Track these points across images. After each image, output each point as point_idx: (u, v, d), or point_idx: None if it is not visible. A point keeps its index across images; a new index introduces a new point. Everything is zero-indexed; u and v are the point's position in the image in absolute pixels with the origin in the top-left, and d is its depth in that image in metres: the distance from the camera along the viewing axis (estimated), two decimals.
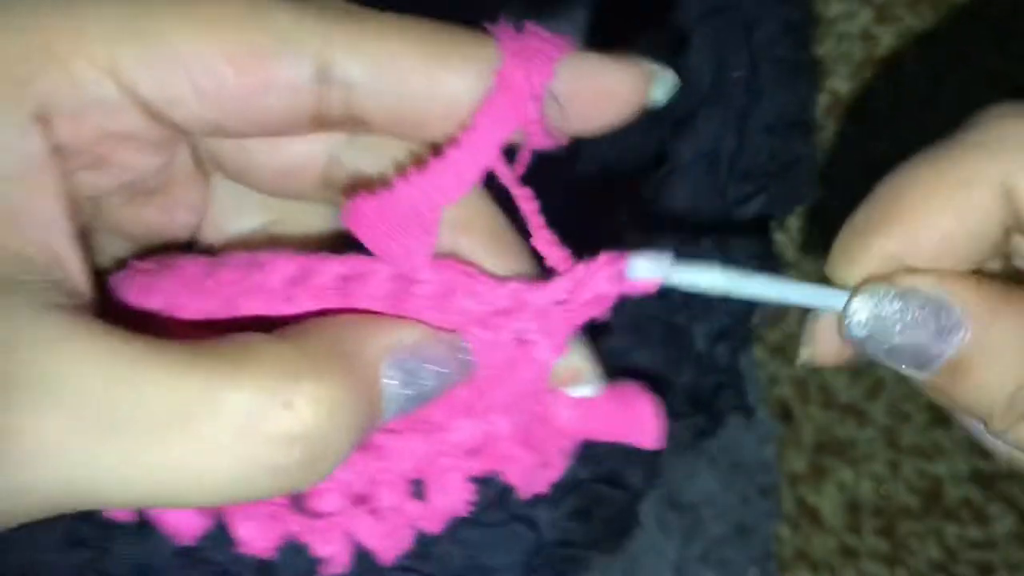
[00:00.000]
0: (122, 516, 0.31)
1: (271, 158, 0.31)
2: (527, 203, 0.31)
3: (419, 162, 0.30)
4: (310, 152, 0.31)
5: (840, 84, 0.76)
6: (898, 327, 0.31)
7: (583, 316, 0.30)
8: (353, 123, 0.29)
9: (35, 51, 0.27)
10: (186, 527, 0.30)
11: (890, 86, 0.73)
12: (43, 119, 0.28)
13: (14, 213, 0.27)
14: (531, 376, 0.31)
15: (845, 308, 0.31)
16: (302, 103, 0.28)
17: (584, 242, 0.32)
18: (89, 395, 0.24)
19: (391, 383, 0.27)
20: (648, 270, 0.28)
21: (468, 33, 0.29)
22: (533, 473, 0.34)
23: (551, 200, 0.34)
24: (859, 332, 0.31)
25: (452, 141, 0.29)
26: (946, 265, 0.32)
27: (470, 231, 0.32)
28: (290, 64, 0.28)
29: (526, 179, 0.34)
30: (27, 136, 0.27)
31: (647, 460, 0.40)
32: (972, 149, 0.31)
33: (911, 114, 0.73)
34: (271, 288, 0.29)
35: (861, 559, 0.74)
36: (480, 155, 0.29)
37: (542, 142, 0.30)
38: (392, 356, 0.28)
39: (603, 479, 0.37)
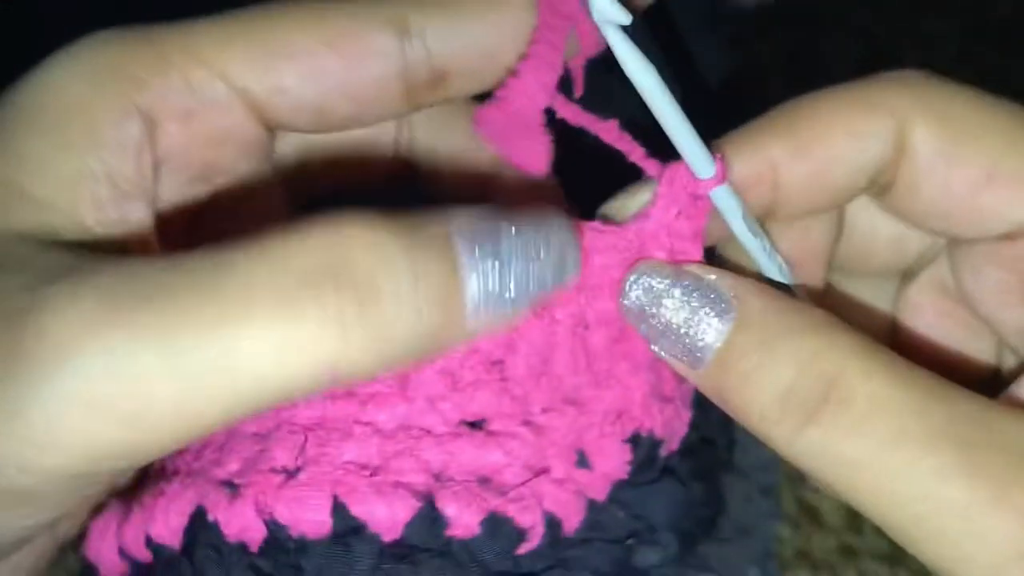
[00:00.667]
0: (314, 532, 0.30)
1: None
2: (605, 129, 0.33)
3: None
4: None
5: (840, 83, 0.75)
6: (668, 303, 0.31)
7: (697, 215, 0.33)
8: (436, 81, 0.33)
9: (151, 57, 0.30)
10: (392, 517, 0.30)
11: None
12: (151, 121, 0.31)
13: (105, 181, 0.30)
14: None
15: (624, 281, 0.32)
16: (392, 68, 0.32)
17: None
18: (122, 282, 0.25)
19: (462, 246, 0.27)
20: (608, 10, 0.29)
21: None
22: (671, 425, 0.36)
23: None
24: (631, 302, 0.32)
25: (523, 59, 0.33)
26: (814, 192, 0.34)
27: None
28: (375, 33, 0.32)
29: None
30: (131, 121, 0.30)
31: (724, 426, 0.42)
32: (876, 84, 0.34)
33: None
34: None
35: (862, 559, 0.74)
36: (550, 58, 0.32)
37: (590, 44, 0.33)
38: (458, 228, 0.27)
39: (703, 441, 0.39)
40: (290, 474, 0.31)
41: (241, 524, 0.30)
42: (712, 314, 0.31)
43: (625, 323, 0.34)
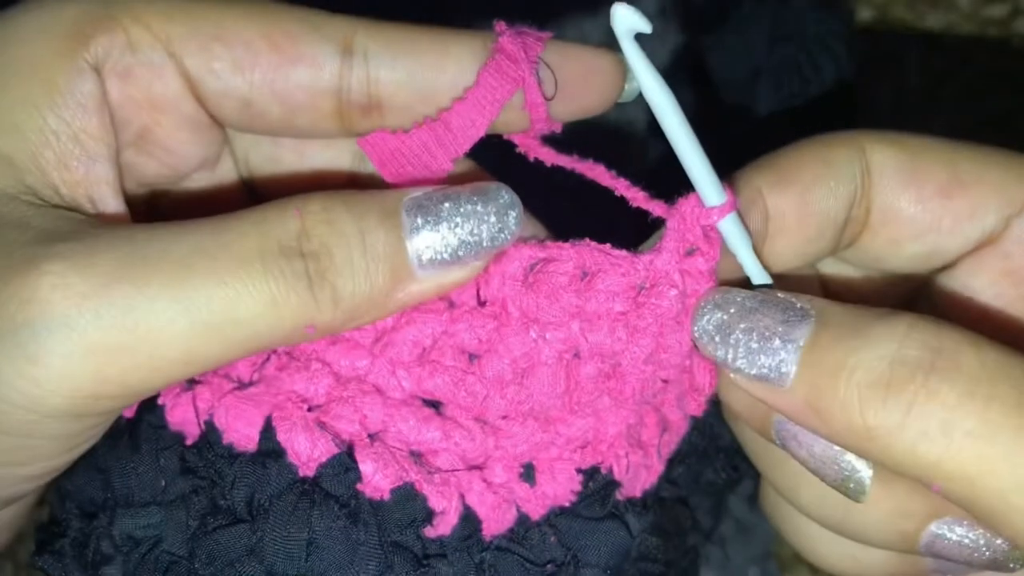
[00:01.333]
0: (241, 445, 0.32)
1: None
2: (600, 173, 0.34)
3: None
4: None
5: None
6: (748, 318, 0.31)
7: (710, 252, 0.33)
8: (369, 108, 0.33)
9: (97, 15, 0.31)
10: (310, 454, 0.31)
11: (890, 86, 0.73)
12: (99, 74, 0.31)
13: (69, 142, 0.31)
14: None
15: (695, 312, 0.32)
16: (326, 80, 0.32)
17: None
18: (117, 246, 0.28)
19: (408, 214, 0.31)
20: (631, 19, 0.29)
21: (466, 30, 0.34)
22: (636, 471, 0.35)
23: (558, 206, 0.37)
24: (707, 323, 0.32)
25: (459, 99, 0.33)
26: (802, 220, 0.34)
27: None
28: (317, 43, 0.32)
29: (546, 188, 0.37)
30: (84, 76, 0.31)
31: (713, 493, 0.41)
32: (834, 133, 0.35)
33: (912, 114, 0.74)
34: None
35: None
36: (485, 108, 0.33)
37: (540, 119, 0.34)
38: (408, 197, 0.32)
39: (679, 501, 0.38)
40: (242, 385, 0.33)
41: (183, 416, 0.32)
42: (791, 320, 0.30)
43: (620, 360, 0.33)
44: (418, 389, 0.32)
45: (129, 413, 0.33)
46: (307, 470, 0.31)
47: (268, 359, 0.33)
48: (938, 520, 0.32)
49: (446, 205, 0.31)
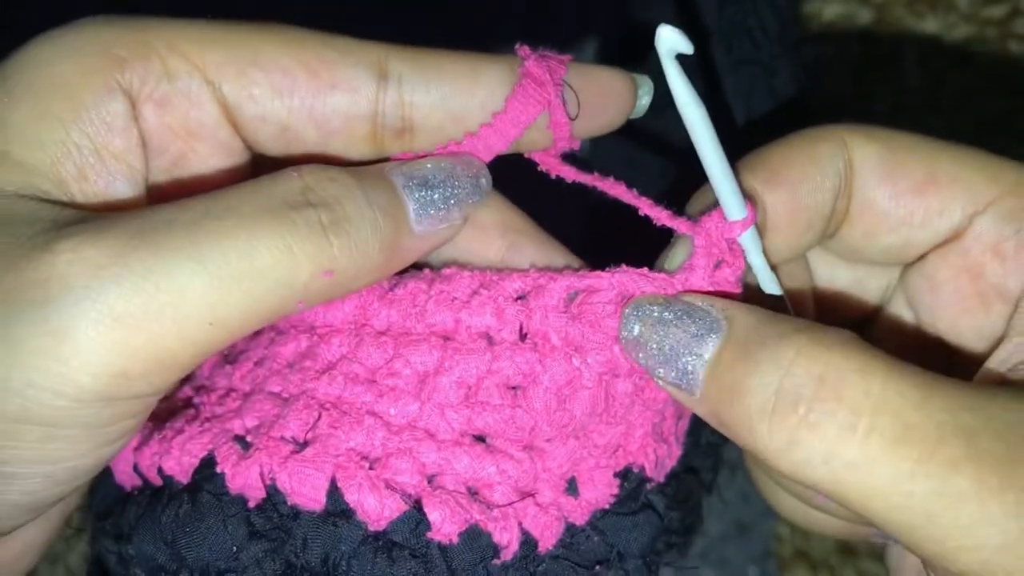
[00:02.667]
0: (308, 505, 0.32)
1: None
2: (622, 191, 0.36)
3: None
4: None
5: (840, 85, 0.76)
6: (662, 329, 0.32)
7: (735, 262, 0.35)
8: (402, 131, 0.35)
9: (135, 42, 0.32)
10: (380, 513, 0.32)
11: (890, 86, 0.73)
12: (131, 98, 0.32)
13: (92, 156, 0.31)
14: None
15: (621, 319, 0.33)
16: (362, 104, 0.34)
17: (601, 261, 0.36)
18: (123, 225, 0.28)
19: (396, 176, 0.33)
20: (675, 40, 0.30)
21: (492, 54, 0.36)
22: (663, 462, 0.38)
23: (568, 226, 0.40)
24: (629, 332, 0.33)
25: (487, 123, 0.35)
26: (794, 215, 0.35)
27: (518, 231, 0.39)
28: (353, 68, 0.33)
29: (549, 206, 0.39)
30: (113, 97, 0.32)
31: (712, 453, 0.43)
32: (818, 129, 0.37)
33: (911, 114, 0.74)
34: (456, 297, 0.35)
35: (860, 558, 0.74)
36: (509, 131, 0.35)
37: (563, 138, 0.36)
38: (391, 163, 0.34)
39: (687, 470, 0.40)
40: (298, 446, 0.33)
41: (245, 481, 0.32)
42: (701, 333, 0.31)
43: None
44: (468, 428, 0.34)
45: (185, 479, 0.33)
46: (377, 525, 0.32)
47: (319, 417, 0.33)
48: None
49: (428, 166, 0.34)
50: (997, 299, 0.36)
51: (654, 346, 0.32)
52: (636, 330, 0.33)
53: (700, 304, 0.32)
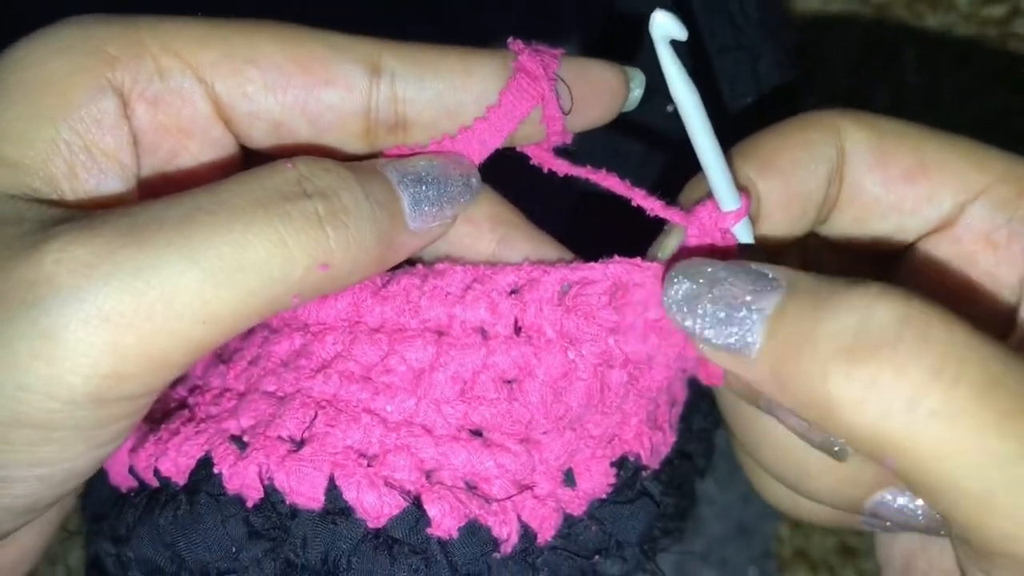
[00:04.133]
0: (306, 504, 0.32)
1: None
2: (615, 182, 0.36)
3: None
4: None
5: (840, 84, 0.76)
6: (716, 289, 0.31)
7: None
8: (395, 126, 0.34)
9: (127, 41, 0.32)
10: (380, 510, 0.32)
11: (890, 85, 0.73)
12: (123, 97, 0.32)
13: (82, 153, 0.31)
14: None
15: (665, 279, 0.33)
16: (355, 100, 0.33)
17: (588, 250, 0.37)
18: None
19: (391, 171, 0.33)
20: (669, 25, 0.30)
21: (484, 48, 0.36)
22: (658, 449, 0.38)
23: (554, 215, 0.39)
24: (678, 293, 0.32)
25: (481, 118, 0.35)
26: (789, 202, 0.35)
27: (509, 224, 0.38)
28: (346, 65, 0.33)
29: (537, 195, 0.39)
30: (104, 95, 0.31)
31: (705, 438, 0.43)
32: (806, 114, 0.36)
33: (911, 114, 0.74)
34: (449, 292, 0.35)
35: (860, 558, 0.74)
36: (504, 125, 0.35)
37: (556, 132, 0.36)
38: (384, 159, 0.34)
39: (681, 455, 0.40)
40: (296, 445, 0.33)
41: (243, 481, 0.32)
42: (760, 290, 0.30)
43: (644, 359, 0.35)
44: (465, 422, 0.33)
45: (182, 480, 0.33)
46: (376, 523, 0.32)
47: (316, 416, 0.33)
48: (883, 489, 0.33)
49: (422, 163, 0.34)
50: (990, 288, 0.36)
51: (707, 304, 0.31)
52: (686, 288, 0.31)
53: (754, 265, 0.31)
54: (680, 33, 0.30)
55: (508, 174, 0.37)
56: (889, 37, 0.74)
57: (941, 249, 0.36)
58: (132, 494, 0.35)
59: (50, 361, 0.26)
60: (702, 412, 0.42)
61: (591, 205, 0.40)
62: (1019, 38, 0.70)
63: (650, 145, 0.61)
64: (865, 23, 0.75)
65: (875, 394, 0.27)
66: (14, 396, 0.26)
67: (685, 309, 0.32)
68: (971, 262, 0.36)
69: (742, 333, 0.30)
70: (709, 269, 0.32)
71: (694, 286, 0.31)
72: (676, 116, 0.37)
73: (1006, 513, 0.26)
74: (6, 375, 0.26)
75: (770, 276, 0.31)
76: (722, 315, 0.31)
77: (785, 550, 0.77)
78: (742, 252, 0.36)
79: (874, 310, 0.27)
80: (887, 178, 0.36)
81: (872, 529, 0.37)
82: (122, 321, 0.26)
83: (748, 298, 0.30)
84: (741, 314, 0.30)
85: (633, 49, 0.61)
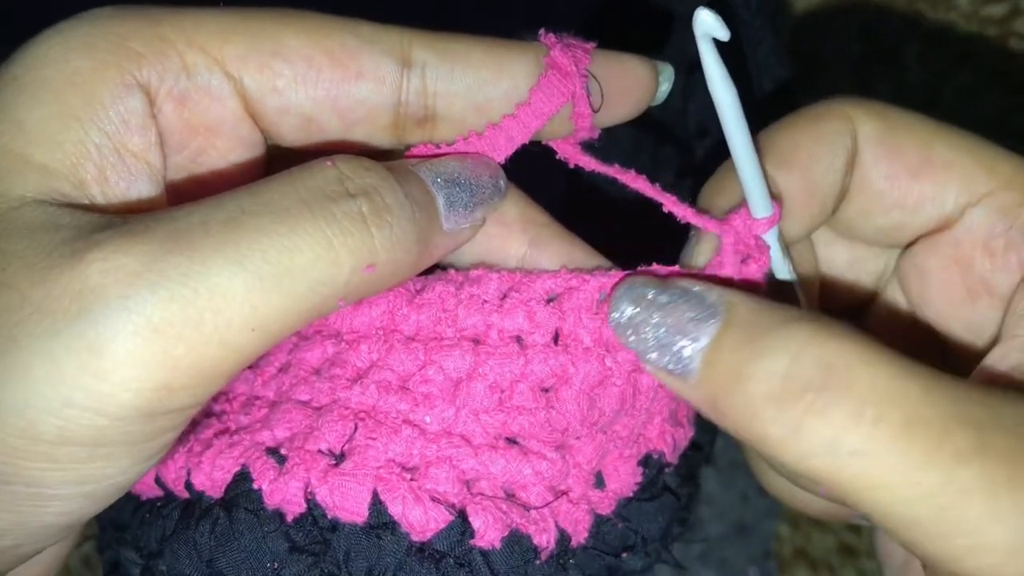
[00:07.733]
0: (348, 518, 0.32)
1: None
2: (643, 184, 0.35)
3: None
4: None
5: (840, 83, 0.76)
6: (656, 312, 0.32)
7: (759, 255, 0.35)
8: (424, 120, 0.34)
9: (150, 36, 0.30)
10: (425, 524, 0.32)
11: (890, 84, 0.73)
12: (149, 95, 0.31)
13: (112, 156, 0.30)
14: None
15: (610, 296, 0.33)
16: (386, 93, 0.33)
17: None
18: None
19: (424, 172, 0.33)
20: (712, 24, 0.30)
21: (515, 40, 0.35)
22: (680, 445, 0.38)
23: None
24: (620, 314, 0.32)
25: (510, 115, 0.34)
26: (807, 197, 0.35)
27: (539, 225, 0.38)
28: (377, 56, 0.32)
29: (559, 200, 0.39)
30: (131, 93, 0.30)
31: (710, 427, 0.43)
32: (828, 101, 0.37)
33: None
34: (486, 300, 0.34)
35: (860, 558, 0.74)
36: (532, 122, 0.35)
37: (584, 128, 0.36)
38: (416, 160, 0.34)
39: (693, 446, 0.41)
40: (335, 458, 0.32)
41: (283, 497, 0.32)
42: (700, 318, 0.31)
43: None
44: (503, 431, 0.33)
45: (217, 493, 0.32)
46: (421, 536, 0.31)
47: (356, 428, 0.33)
48: None
49: (453, 164, 0.34)
50: (985, 293, 0.36)
51: (648, 329, 0.31)
52: (628, 312, 0.32)
53: (696, 289, 0.32)
54: (723, 33, 0.29)
55: (508, 172, 0.37)
56: (890, 36, 0.74)
57: (940, 250, 0.36)
58: (159, 504, 0.34)
59: (98, 375, 0.25)
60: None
61: (582, 199, 0.40)
62: (1019, 37, 0.70)
63: (642, 129, 0.61)
64: (865, 22, 0.76)
65: (799, 435, 0.28)
66: (60, 413, 0.25)
67: (629, 331, 0.32)
68: (967, 266, 0.36)
69: (680, 360, 0.31)
70: (650, 294, 0.32)
71: (637, 310, 0.32)
72: (666, 100, 0.38)
73: (937, 538, 0.27)
74: (52, 391, 0.25)
75: (709, 302, 0.31)
76: (664, 340, 0.31)
77: (785, 549, 0.77)
78: (771, 281, 0.36)
79: (801, 356, 0.28)
80: (893, 172, 0.35)
81: (867, 524, 0.37)
82: (171, 331, 0.25)
83: (688, 326, 0.31)
84: (681, 343, 0.31)
85: (626, 34, 0.60)
